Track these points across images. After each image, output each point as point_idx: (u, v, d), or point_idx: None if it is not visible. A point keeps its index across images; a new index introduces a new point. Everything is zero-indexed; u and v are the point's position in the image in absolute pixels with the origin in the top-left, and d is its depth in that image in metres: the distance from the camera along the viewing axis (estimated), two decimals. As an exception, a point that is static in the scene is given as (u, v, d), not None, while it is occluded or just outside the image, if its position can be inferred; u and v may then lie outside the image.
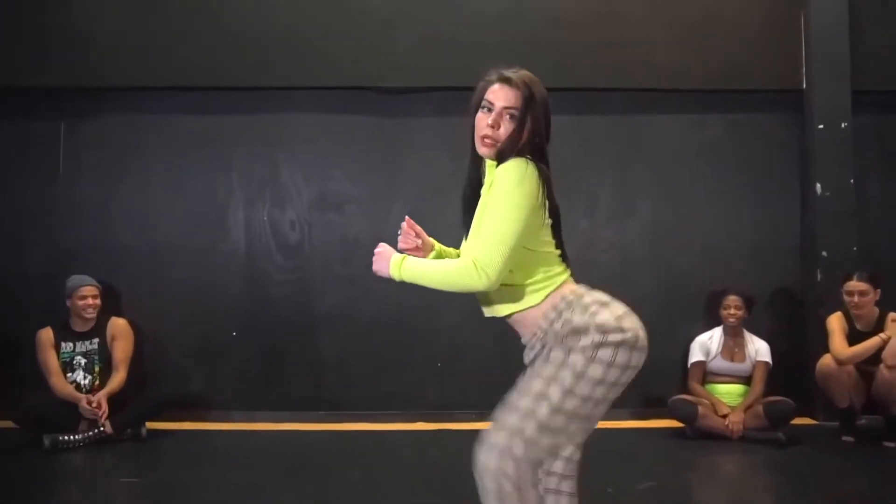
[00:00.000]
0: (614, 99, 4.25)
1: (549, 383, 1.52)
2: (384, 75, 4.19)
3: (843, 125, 4.12)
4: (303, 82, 4.19)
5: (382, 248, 1.65)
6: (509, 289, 1.59)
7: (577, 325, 1.53)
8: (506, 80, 1.61)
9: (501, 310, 1.62)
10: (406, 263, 1.59)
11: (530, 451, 1.50)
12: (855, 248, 4.06)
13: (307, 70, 4.16)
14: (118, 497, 2.77)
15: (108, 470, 3.12)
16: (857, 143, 4.13)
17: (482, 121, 1.62)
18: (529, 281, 1.59)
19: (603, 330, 1.52)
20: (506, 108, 1.60)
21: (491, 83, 1.63)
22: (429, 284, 1.58)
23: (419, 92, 4.21)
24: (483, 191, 1.64)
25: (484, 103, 1.62)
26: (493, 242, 1.52)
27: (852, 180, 4.11)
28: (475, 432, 1.58)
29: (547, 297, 1.59)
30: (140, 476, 2.99)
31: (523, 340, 1.64)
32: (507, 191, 1.53)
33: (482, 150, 1.63)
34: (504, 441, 1.50)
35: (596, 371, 1.51)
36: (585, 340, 1.52)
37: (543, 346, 1.58)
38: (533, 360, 1.61)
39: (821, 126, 4.14)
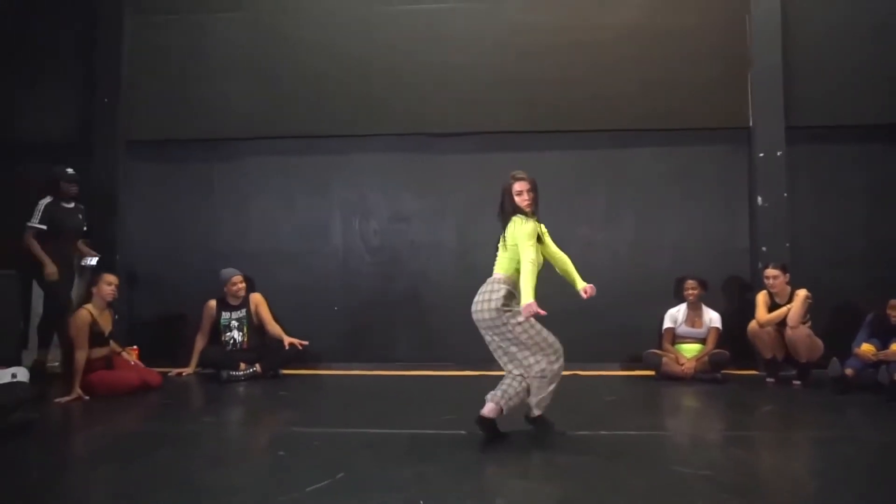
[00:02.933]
0: (604, 138, 5.72)
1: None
2: (437, 124, 5.79)
3: (778, 153, 5.46)
4: (378, 130, 5.85)
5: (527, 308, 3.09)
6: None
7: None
8: (521, 178, 3.31)
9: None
10: (527, 296, 3.07)
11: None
12: (787, 245, 5.40)
13: (380, 121, 5.80)
14: (278, 402, 4.47)
15: (267, 390, 4.84)
16: (789, 166, 5.46)
17: (520, 199, 3.28)
18: None
19: None
20: (527, 189, 3.28)
21: (514, 182, 3.31)
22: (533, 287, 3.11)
23: (460, 136, 5.81)
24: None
25: (516, 192, 3.29)
26: (529, 252, 3.21)
27: (785, 194, 5.46)
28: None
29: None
30: (289, 391, 4.70)
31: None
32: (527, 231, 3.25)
33: (527, 209, 3.31)
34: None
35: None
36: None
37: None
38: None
39: (761, 154, 5.50)
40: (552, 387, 3.25)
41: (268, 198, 5.98)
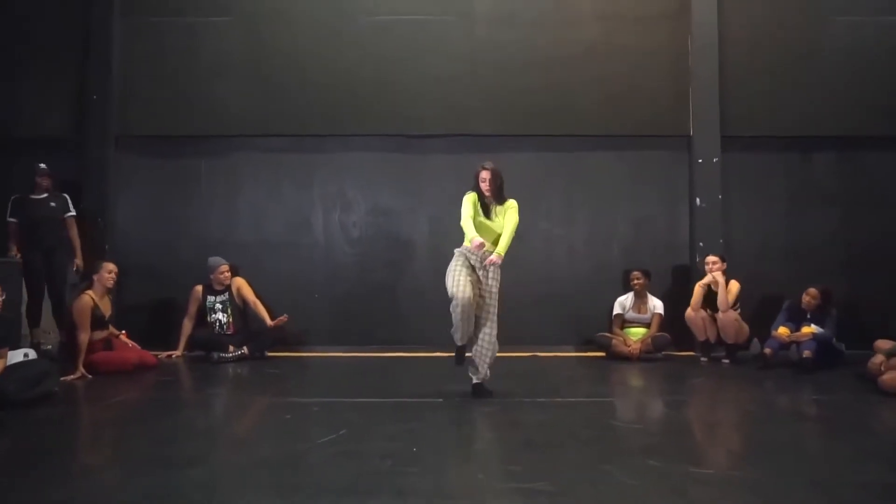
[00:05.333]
0: (564, 142, 6.34)
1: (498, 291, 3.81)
2: (414, 126, 6.30)
3: (714, 160, 6.19)
4: (360, 131, 6.32)
5: (488, 254, 3.92)
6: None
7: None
8: (485, 168, 4.03)
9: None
10: (500, 247, 3.88)
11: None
12: (721, 241, 6.13)
13: (362, 122, 6.28)
14: (271, 378, 4.95)
15: (257, 369, 5.30)
16: (724, 171, 6.19)
17: (482, 185, 4.02)
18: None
19: None
20: (489, 178, 3.97)
21: (480, 170, 4.02)
22: (508, 244, 3.90)
23: (435, 137, 6.35)
24: (497, 210, 4.01)
25: (480, 179, 4.02)
26: (516, 219, 3.98)
27: (720, 196, 6.19)
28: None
29: None
30: (278, 370, 5.19)
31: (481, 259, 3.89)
32: (516, 207, 4.04)
33: (487, 194, 4.04)
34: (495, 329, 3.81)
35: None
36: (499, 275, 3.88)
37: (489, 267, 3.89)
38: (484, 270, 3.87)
39: (700, 160, 6.21)
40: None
41: (255, 192, 6.40)
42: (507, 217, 4.00)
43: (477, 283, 3.92)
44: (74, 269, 5.63)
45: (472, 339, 3.95)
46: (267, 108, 6.29)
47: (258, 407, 4.01)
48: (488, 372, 4.02)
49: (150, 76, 6.32)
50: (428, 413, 3.60)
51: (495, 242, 3.97)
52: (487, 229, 3.99)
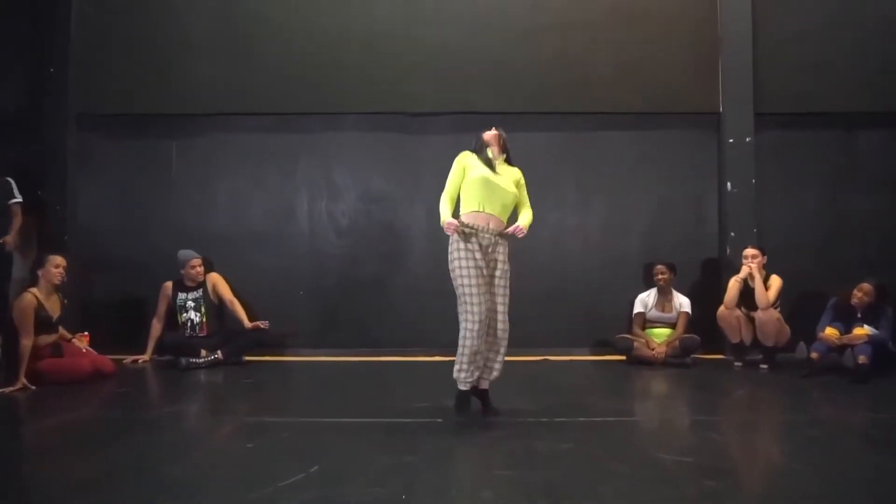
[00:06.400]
0: (577, 120, 5.66)
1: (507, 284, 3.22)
2: (409, 103, 5.64)
3: (747, 139, 5.52)
4: (350, 109, 5.66)
5: (517, 228, 3.31)
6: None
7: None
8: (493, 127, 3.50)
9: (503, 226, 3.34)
10: (525, 221, 3.36)
11: None
12: (755, 231, 5.48)
13: (353, 99, 5.62)
14: (242, 390, 4.29)
15: (230, 377, 4.64)
16: (758, 152, 5.53)
17: (489, 135, 3.45)
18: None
19: None
20: (498, 132, 3.44)
21: (488, 130, 3.46)
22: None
23: (434, 115, 5.67)
24: (503, 170, 3.40)
25: (487, 131, 3.45)
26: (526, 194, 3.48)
27: (754, 180, 5.52)
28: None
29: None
30: (253, 379, 4.52)
31: (491, 240, 3.27)
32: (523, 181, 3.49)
33: (494, 142, 3.44)
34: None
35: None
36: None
37: (498, 247, 3.27)
38: (493, 252, 3.26)
39: (731, 140, 5.54)
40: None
41: (232, 176, 5.73)
42: (522, 191, 3.44)
43: (488, 275, 3.25)
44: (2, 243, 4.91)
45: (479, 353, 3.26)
46: (246, 84, 5.61)
47: (219, 432, 3.34)
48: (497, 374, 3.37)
49: (115, 46, 5.63)
50: (424, 439, 2.94)
51: (504, 208, 3.31)
52: (494, 188, 3.27)
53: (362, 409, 3.56)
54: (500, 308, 3.24)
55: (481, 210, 3.26)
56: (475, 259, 3.19)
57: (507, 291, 3.29)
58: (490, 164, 3.34)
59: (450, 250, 3.25)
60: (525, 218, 3.38)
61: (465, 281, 3.15)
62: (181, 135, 5.72)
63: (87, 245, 5.58)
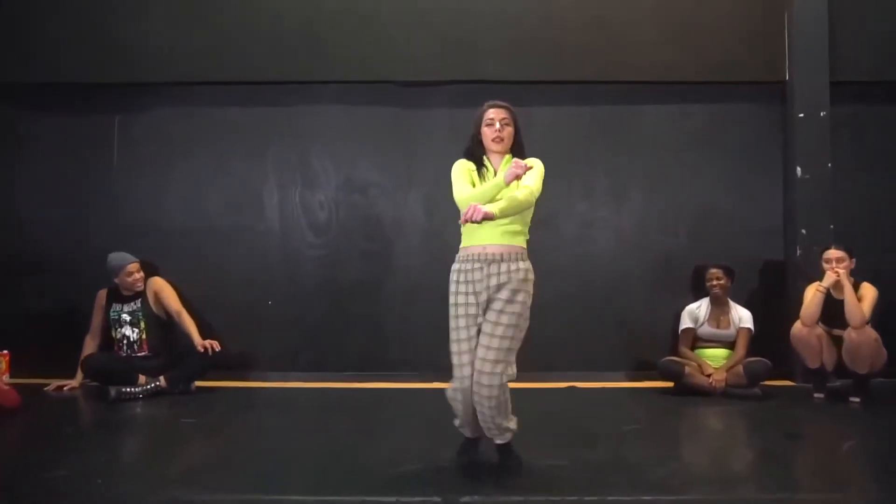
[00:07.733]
0: (608, 91, 4.65)
1: (517, 319, 2.38)
2: (402, 71, 4.63)
3: (822, 114, 4.50)
4: (330, 77, 4.65)
5: (474, 206, 2.29)
6: (514, 228, 2.44)
7: (531, 276, 2.45)
8: (496, 105, 2.54)
9: (504, 240, 2.42)
10: (496, 204, 2.35)
11: (511, 369, 2.38)
12: (831, 227, 4.44)
13: (334, 66, 4.61)
14: (175, 438, 3.24)
15: (168, 414, 3.60)
16: (834, 130, 4.51)
17: (489, 131, 2.50)
18: (523, 228, 2.50)
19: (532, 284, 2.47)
20: (502, 119, 2.50)
21: (487, 108, 2.54)
22: (511, 210, 2.37)
23: (433, 85, 4.66)
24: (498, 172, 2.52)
25: (486, 121, 2.52)
26: (537, 184, 2.47)
27: (830, 164, 4.49)
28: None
29: (526, 243, 2.51)
30: (198, 417, 3.47)
31: (492, 269, 2.42)
32: (540, 169, 2.53)
33: (496, 147, 2.52)
34: (501, 369, 2.34)
35: (528, 310, 2.42)
36: (530, 288, 2.44)
37: (508, 279, 2.40)
38: (497, 287, 2.41)
39: (801, 115, 4.51)
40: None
41: (187, 159, 4.72)
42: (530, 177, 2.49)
43: (482, 316, 2.44)
44: None
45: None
46: (204, 47, 4.62)
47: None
48: (511, 425, 2.51)
49: (46, 4, 4.61)
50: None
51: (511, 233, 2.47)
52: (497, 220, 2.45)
53: (333, 472, 2.53)
54: (480, 353, 2.38)
55: (481, 242, 2.47)
56: (469, 305, 2.44)
57: (507, 333, 2.39)
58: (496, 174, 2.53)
59: (449, 280, 2.52)
60: (499, 202, 2.37)
61: (454, 335, 2.47)
62: (125, 108, 4.71)
63: (7, 242, 4.60)
